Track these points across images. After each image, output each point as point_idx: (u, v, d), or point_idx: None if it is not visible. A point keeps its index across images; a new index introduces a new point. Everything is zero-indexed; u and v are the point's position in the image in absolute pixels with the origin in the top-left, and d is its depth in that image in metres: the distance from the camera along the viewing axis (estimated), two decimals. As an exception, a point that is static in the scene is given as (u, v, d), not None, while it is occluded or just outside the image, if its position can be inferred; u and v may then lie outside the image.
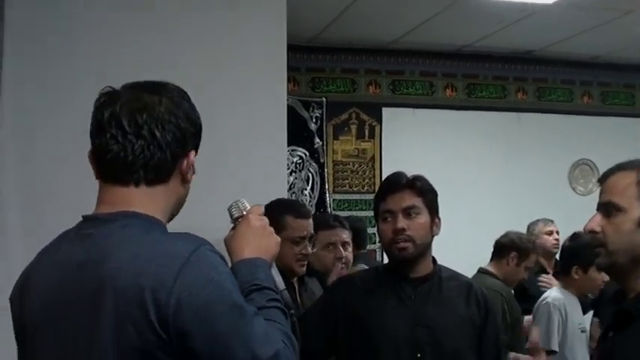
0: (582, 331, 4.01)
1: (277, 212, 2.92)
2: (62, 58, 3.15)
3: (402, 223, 2.55)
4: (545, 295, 4.15)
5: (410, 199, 2.59)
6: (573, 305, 4.03)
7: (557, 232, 5.68)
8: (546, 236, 5.61)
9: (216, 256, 1.53)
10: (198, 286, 1.44)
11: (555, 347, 3.86)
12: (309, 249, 3.03)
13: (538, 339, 3.36)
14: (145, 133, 1.56)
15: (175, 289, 1.42)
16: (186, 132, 1.61)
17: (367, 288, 2.67)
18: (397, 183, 2.64)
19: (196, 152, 1.67)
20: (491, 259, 4.70)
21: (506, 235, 4.71)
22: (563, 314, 3.95)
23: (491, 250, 4.72)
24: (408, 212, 2.57)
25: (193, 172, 1.69)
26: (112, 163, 1.58)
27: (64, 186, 2.99)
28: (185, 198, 1.69)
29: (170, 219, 1.68)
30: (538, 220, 5.75)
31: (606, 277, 3.72)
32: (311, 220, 3.07)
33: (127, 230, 1.53)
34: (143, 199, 1.59)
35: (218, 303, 1.46)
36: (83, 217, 1.63)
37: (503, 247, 4.65)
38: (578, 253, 3.96)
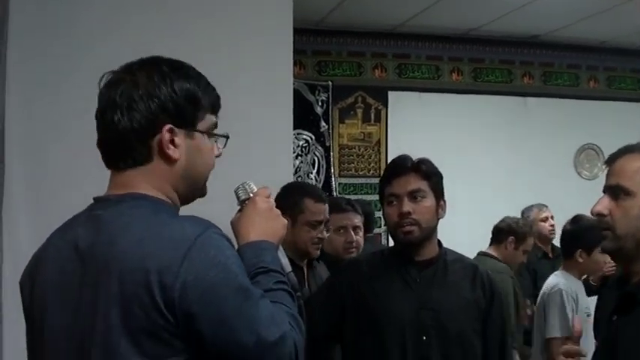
0: (588, 315, 4.01)
1: (298, 195, 2.95)
2: (62, 38, 3.17)
3: (407, 206, 2.55)
4: (553, 281, 4.11)
5: (415, 183, 2.58)
6: (580, 290, 4.03)
7: (552, 218, 5.68)
8: (542, 223, 5.62)
9: (222, 239, 1.53)
10: (204, 269, 1.45)
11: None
12: (325, 233, 3.05)
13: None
14: (117, 116, 1.57)
15: (181, 272, 1.43)
16: (154, 110, 1.58)
17: (373, 271, 2.67)
18: (403, 166, 2.63)
19: (191, 127, 1.63)
20: (490, 244, 4.74)
21: (503, 220, 4.75)
22: (574, 300, 3.94)
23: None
24: (413, 196, 2.57)
25: (215, 149, 1.69)
26: (102, 147, 1.63)
27: (71, 175, 3.01)
28: (195, 175, 1.66)
29: (185, 199, 1.69)
30: (532, 206, 5.75)
31: (609, 260, 3.73)
32: (327, 205, 3.09)
33: (135, 211, 1.54)
34: (142, 181, 1.60)
35: (224, 286, 1.46)
36: (94, 198, 1.65)
37: (501, 232, 4.71)
38: (581, 236, 3.94)
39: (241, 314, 1.47)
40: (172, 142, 1.59)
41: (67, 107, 3.07)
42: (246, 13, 3.41)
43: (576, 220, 4.12)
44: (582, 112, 7.60)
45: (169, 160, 1.61)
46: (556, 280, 4.09)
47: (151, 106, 1.57)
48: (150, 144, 1.59)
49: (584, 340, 3.83)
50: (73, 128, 2.91)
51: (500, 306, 2.71)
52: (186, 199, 1.70)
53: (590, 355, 2.00)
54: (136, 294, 1.43)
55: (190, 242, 1.46)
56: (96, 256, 1.51)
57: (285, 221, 1.81)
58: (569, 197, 6.56)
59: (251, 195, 1.80)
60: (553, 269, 4.84)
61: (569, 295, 3.93)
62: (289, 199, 2.89)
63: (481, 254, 4.60)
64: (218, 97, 1.72)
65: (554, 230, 5.62)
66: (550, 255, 5.63)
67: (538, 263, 5.42)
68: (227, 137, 1.74)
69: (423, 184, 2.59)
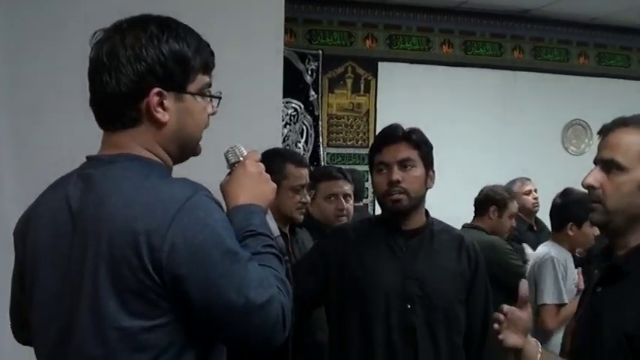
0: (576, 286, 4.04)
1: (279, 160, 2.94)
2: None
3: (397, 175, 2.55)
4: (543, 250, 4.13)
5: (405, 152, 2.59)
6: (569, 261, 4.06)
7: (536, 191, 5.70)
8: (525, 196, 5.63)
9: (212, 202, 1.54)
10: (193, 231, 1.46)
11: (567, 300, 3.90)
12: (308, 197, 3.06)
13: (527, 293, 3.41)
14: (105, 77, 1.56)
15: (170, 234, 1.44)
16: (141, 72, 1.56)
17: (360, 239, 2.68)
18: (393, 135, 2.63)
19: (181, 89, 1.62)
20: (474, 217, 4.75)
21: (481, 191, 4.76)
22: (564, 270, 3.98)
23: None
24: (403, 164, 2.58)
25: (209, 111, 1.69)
26: (94, 108, 1.62)
27: (61, 134, 3.00)
28: (186, 137, 1.66)
29: (178, 159, 1.69)
30: (515, 180, 5.76)
31: (597, 232, 3.75)
32: (307, 169, 3.11)
33: (126, 172, 1.55)
34: (134, 142, 1.60)
35: (212, 248, 1.47)
36: (87, 157, 1.65)
37: (482, 203, 4.73)
38: (571, 209, 3.97)
39: (229, 276, 1.47)
40: (161, 105, 1.59)
41: (56, 63, 3.04)
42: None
43: (566, 193, 4.14)
44: (571, 87, 7.62)
45: (158, 123, 1.60)
46: (546, 249, 4.12)
47: (138, 69, 1.56)
48: (138, 107, 1.58)
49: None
50: (62, 85, 2.88)
51: (485, 277, 2.73)
52: (179, 159, 1.70)
53: None
54: (124, 255, 1.44)
55: (180, 204, 1.46)
56: (85, 216, 1.52)
57: (275, 185, 1.82)
58: (556, 172, 6.61)
59: (241, 159, 1.80)
60: (538, 242, 4.87)
61: (559, 263, 3.97)
62: (271, 165, 2.88)
63: (466, 226, 4.62)
64: (212, 55, 1.70)
65: (537, 203, 5.65)
66: (535, 227, 5.66)
67: (524, 236, 5.44)
68: (220, 98, 1.73)
69: (413, 154, 2.60)
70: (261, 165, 1.81)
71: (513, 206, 4.72)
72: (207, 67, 1.68)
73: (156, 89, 1.57)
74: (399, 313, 2.53)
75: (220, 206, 1.58)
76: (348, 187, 3.69)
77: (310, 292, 2.66)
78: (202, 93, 1.67)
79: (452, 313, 2.59)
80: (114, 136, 1.61)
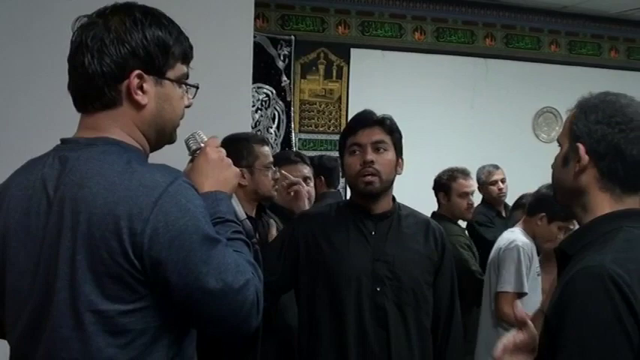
0: (538, 275, 4.05)
1: (245, 143, 2.94)
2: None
3: (370, 155, 2.61)
4: (509, 237, 4.10)
5: (379, 135, 2.65)
6: (534, 249, 4.04)
7: (503, 180, 5.71)
8: (490, 186, 5.67)
9: (191, 188, 1.57)
10: (175, 217, 1.48)
11: (527, 289, 3.90)
12: (277, 173, 3.06)
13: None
14: (87, 58, 1.57)
15: (151, 219, 1.46)
16: (124, 54, 1.58)
17: (329, 222, 2.72)
18: (368, 119, 2.69)
19: (161, 74, 1.64)
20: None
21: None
22: (529, 260, 3.98)
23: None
24: (376, 147, 2.63)
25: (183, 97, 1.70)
26: (72, 90, 1.64)
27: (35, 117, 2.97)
28: (164, 122, 1.68)
29: (154, 146, 1.71)
30: (484, 167, 5.79)
31: (562, 237, 3.76)
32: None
33: (106, 157, 1.55)
34: (113, 125, 1.61)
35: (193, 233, 1.50)
36: (62, 140, 1.65)
37: (434, 190, 4.90)
38: (549, 203, 3.97)
39: (209, 261, 1.51)
40: (141, 88, 1.61)
41: (33, 50, 3.01)
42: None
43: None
44: (543, 75, 7.67)
45: (137, 106, 1.62)
46: (513, 236, 4.09)
47: (121, 51, 1.58)
48: (119, 88, 1.60)
49: (530, 299, 3.89)
50: (37, 72, 2.87)
51: (451, 259, 2.80)
52: (156, 145, 1.72)
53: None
54: (104, 239, 1.46)
55: (161, 190, 1.49)
56: (64, 197, 1.52)
57: (237, 170, 1.84)
58: (527, 159, 6.67)
59: (202, 145, 1.81)
60: (506, 228, 4.89)
61: (525, 252, 3.95)
62: (241, 150, 2.89)
63: (436, 215, 4.68)
64: (191, 48, 1.73)
65: (502, 193, 5.68)
66: (503, 214, 5.69)
67: (493, 221, 5.48)
68: (197, 87, 1.75)
69: (386, 138, 2.66)
70: (223, 150, 1.82)
71: (458, 185, 4.77)
72: (186, 58, 1.72)
73: (137, 71, 1.60)
74: (370, 295, 2.57)
75: (198, 192, 1.60)
76: (307, 170, 3.72)
77: (280, 276, 2.68)
78: (181, 81, 1.70)
79: (421, 296, 2.64)
80: (92, 118, 1.62)
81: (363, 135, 2.65)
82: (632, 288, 1.47)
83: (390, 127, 2.68)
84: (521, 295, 3.89)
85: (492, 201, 5.65)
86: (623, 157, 1.67)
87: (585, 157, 1.70)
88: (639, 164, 1.67)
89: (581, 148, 1.70)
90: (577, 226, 1.84)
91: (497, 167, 5.77)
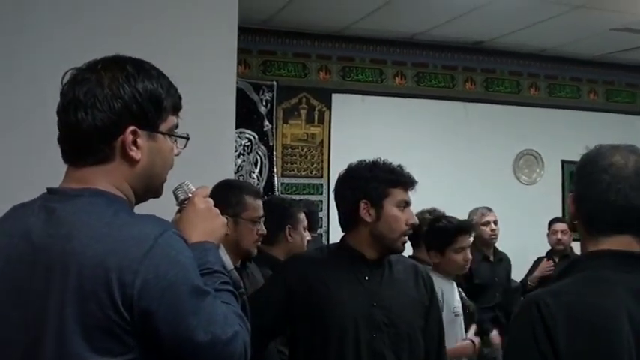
0: (456, 315, 3.83)
1: (237, 192, 2.93)
2: (10, 35, 3.10)
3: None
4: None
5: None
6: (449, 287, 3.84)
7: (495, 222, 5.74)
8: (483, 227, 5.67)
9: (181, 240, 1.56)
10: (165, 268, 1.48)
11: None
12: (264, 229, 3.03)
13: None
14: (81, 114, 1.56)
15: (142, 270, 1.45)
16: (117, 110, 1.57)
17: (322, 267, 2.71)
18: (413, 182, 2.84)
19: (154, 129, 1.63)
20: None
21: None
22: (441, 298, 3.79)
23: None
24: None
25: (173, 150, 1.71)
26: (63, 144, 1.62)
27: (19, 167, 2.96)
28: (154, 177, 1.68)
29: (141, 199, 1.70)
30: (477, 209, 5.81)
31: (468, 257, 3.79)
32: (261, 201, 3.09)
33: (94, 208, 1.54)
34: (101, 178, 1.59)
35: (182, 285, 1.49)
36: (48, 189, 1.64)
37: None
38: (428, 237, 3.94)
39: (198, 313, 1.51)
40: (135, 143, 1.60)
41: (17, 100, 3.01)
42: (191, 9, 3.39)
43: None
44: (523, 118, 7.74)
45: (131, 161, 1.62)
46: None
47: (115, 106, 1.57)
48: (113, 144, 1.59)
49: (448, 339, 3.74)
50: (23, 120, 2.86)
51: (437, 303, 2.85)
52: (142, 198, 1.71)
53: None
54: (94, 291, 1.44)
55: (152, 241, 1.48)
56: (50, 248, 1.51)
57: (225, 220, 1.83)
58: (508, 201, 6.69)
59: (189, 195, 1.81)
60: (493, 273, 4.88)
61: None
62: (229, 197, 2.87)
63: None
64: (180, 98, 1.73)
65: (495, 235, 5.70)
66: (491, 258, 5.70)
67: (478, 266, 5.47)
68: (187, 138, 1.75)
69: None
70: (210, 201, 1.81)
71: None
72: (176, 109, 1.72)
73: (131, 128, 1.59)
74: (368, 341, 2.57)
75: (187, 244, 1.59)
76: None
77: (270, 322, 2.66)
78: (172, 133, 1.70)
79: (414, 340, 2.65)
80: (80, 172, 1.61)
81: (408, 195, 2.78)
82: (554, 315, 1.63)
83: None
84: None
85: (482, 243, 5.65)
86: (587, 201, 1.80)
87: (571, 206, 1.85)
88: (597, 206, 1.77)
89: (569, 197, 1.86)
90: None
91: (490, 210, 5.80)
